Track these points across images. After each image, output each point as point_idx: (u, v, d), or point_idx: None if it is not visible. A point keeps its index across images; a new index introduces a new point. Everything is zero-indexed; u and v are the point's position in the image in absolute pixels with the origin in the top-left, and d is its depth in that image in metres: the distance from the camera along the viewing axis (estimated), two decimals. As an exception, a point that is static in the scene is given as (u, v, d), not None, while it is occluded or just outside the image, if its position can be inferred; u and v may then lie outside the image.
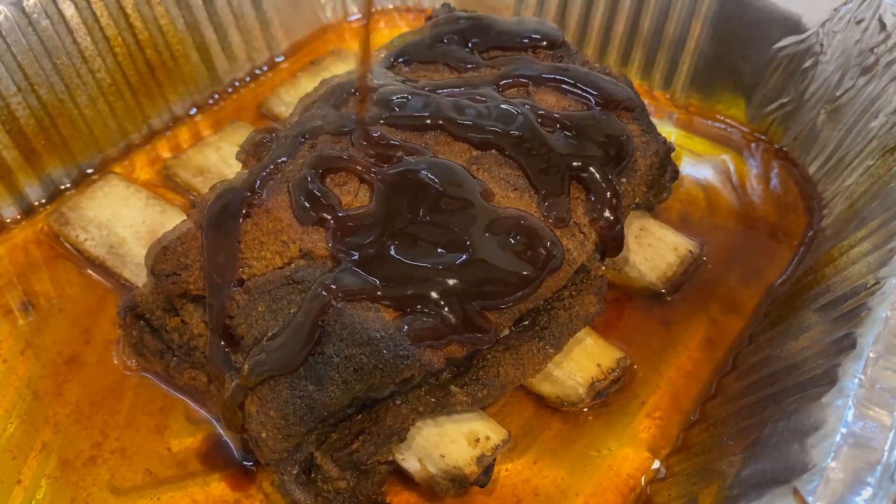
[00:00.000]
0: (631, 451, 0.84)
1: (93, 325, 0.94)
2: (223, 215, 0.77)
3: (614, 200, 0.81)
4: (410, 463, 0.77)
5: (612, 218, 0.81)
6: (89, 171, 1.12)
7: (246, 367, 0.71)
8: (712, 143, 1.18)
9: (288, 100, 1.21)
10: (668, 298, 0.97)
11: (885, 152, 0.97)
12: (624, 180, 0.84)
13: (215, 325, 0.75)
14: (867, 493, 0.56)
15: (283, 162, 0.80)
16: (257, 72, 1.30)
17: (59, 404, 0.87)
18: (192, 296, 0.78)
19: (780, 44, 1.13)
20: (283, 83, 1.26)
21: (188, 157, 1.12)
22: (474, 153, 0.81)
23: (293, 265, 0.73)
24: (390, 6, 1.44)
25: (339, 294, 0.69)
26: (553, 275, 0.76)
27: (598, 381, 0.85)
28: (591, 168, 0.81)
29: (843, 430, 0.60)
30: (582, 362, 0.86)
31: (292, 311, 0.70)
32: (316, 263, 0.73)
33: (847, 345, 0.67)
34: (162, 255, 0.78)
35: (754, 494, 0.61)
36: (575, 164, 0.80)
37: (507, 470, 0.82)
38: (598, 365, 0.86)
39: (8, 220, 1.05)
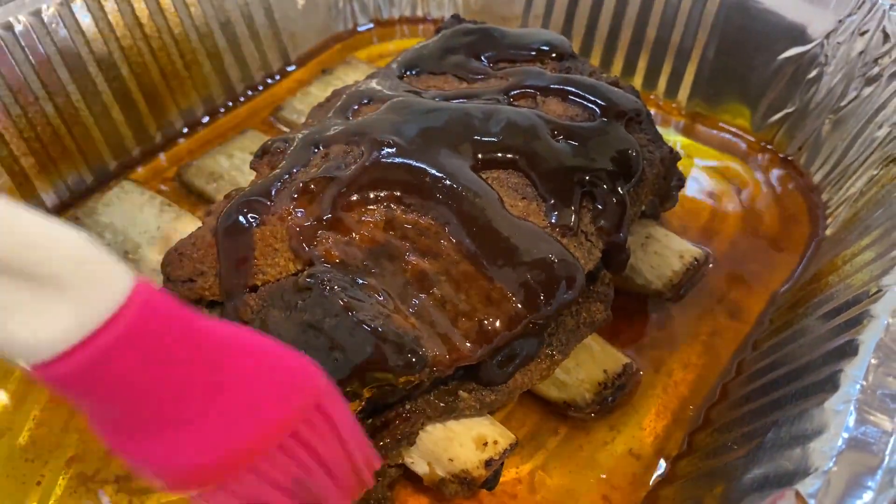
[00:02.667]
0: (637, 456, 0.85)
1: (108, 329, 0.96)
2: (238, 223, 0.78)
3: (621, 211, 0.82)
4: (420, 466, 0.78)
5: (618, 227, 0.82)
6: (104, 177, 1.14)
7: None
8: (717, 151, 1.20)
9: (300, 108, 1.23)
10: (674, 305, 0.98)
11: (889, 161, 0.98)
12: (631, 190, 0.85)
13: (229, 330, 0.77)
14: (868, 496, 0.57)
15: (297, 171, 0.82)
16: (269, 80, 1.32)
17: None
18: (206, 301, 0.80)
19: (786, 54, 1.14)
20: (295, 91, 1.28)
21: (201, 164, 1.14)
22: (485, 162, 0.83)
23: (306, 271, 0.75)
24: (398, 15, 1.46)
25: (351, 300, 0.71)
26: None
27: (604, 387, 0.86)
28: (599, 180, 0.82)
29: (845, 435, 0.61)
30: (588, 368, 0.87)
31: (305, 316, 0.72)
32: (329, 270, 0.75)
33: (849, 351, 0.68)
34: (178, 261, 0.80)
35: (757, 497, 0.62)
36: (584, 175, 0.82)
37: (514, 473, 0.84)
38: (605, 371, 0.87)
39: (24, 226, 1.07)
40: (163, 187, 1.14)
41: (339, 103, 0.93)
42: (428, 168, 0.79)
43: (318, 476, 0.60)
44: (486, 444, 0.77)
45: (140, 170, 1.17)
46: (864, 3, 1.07)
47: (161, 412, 0.52)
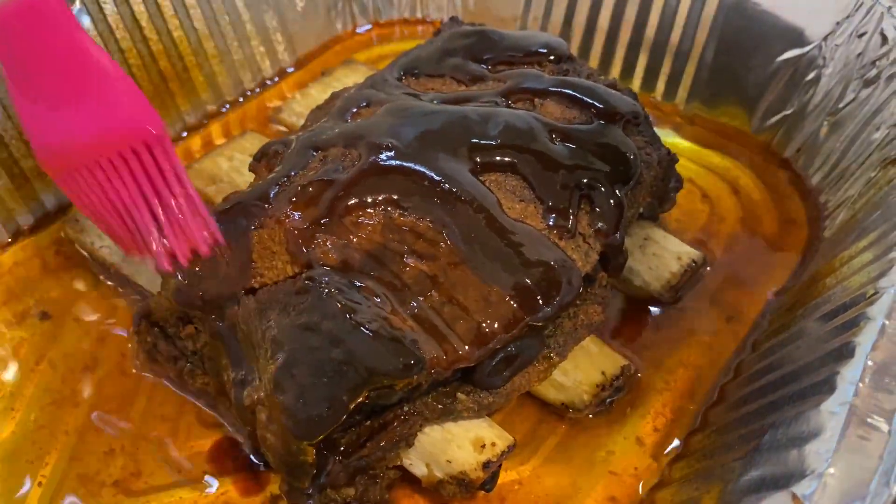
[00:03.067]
0: (634, 457, 0.85)
1: (107, 331, 0.96)
2: (236, 226, 0.79)
3: (619, 213, 0.82)
4: (418, 467, 0.79)
5: (615, 230, 0.82)
6: (104, 179, 1.14)
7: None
8: (716, 153, 1.20)
9: (298, 110, 1.23)
10: (672, 307, 0.98)
11: (887, 163, 0.98)
12: (628, 192, 0.86)
13: (228, 333, 0.78)
14: (864, 498, 0.58)
15: (295, 174, 0.82)
16: (268, 82, 1.32)
17: (73, 407, 0.89)
18: (205, 303, 0.80)
19: (784, 56, 1.14)
20: (294, 93, 1.28)
21: (201, 166, 1.14)
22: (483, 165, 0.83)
23: (304, 274, 0.75)
24: (397, 17, 1.46)
25: (348, 303, 0.71)
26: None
27: (602, 388, 0.87)
28: (597, 182, 0.82)
29: (841, 437, 0.61)
30: (587, 369, 0.87)
31: (303, 319, 0.72)
32: (327, 272, 0.75)
33: (846, 353, 0.68)
34: (177, 263, 0.80)
35: (753, 499, 0.62)
36: (581, 177, 0.82)
37: (512, 475, 0.84)
38: (603, 372, 0.87)
39: (24, 228, 1.07)
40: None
41: (338, 106, 0.93)
42: (425, 171, 0.79)
43: (142, 207, 0.77)
44: (484, 446, 0.78)
45: (139, 172, 1.17)
46: (861, 5, 1.08)
47: (41, 88, 0.73)
